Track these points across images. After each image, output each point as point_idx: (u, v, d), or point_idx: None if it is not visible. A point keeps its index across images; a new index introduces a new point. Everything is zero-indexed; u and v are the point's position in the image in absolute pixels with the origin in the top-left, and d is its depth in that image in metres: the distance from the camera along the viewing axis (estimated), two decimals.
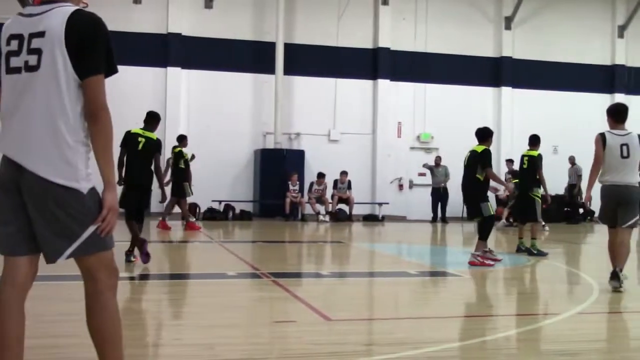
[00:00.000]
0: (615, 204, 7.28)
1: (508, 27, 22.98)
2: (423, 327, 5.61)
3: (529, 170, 11.33)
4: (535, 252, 10.92)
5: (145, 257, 8.87)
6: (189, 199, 16.78)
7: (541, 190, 11.35)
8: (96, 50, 2.91)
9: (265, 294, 7.17)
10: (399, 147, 22.23)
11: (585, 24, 23.55)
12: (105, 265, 3.03)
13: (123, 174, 9.09)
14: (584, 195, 8.35)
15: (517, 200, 12.35)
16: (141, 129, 9.31)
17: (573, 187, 21.09)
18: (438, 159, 20.88)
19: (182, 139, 15.51)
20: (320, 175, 20.03)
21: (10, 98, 2.96)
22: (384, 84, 21.89)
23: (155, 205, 15.75)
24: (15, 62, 2.94)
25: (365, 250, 12.71)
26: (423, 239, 15.67)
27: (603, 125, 7.68)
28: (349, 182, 20.25)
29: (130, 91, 19.12)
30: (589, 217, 21.53)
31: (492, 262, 9.50)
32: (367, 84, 21.98)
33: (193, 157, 16.50)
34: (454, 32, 22.47)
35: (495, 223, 17.55)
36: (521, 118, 22.31)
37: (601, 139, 7.35)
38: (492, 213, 9.76)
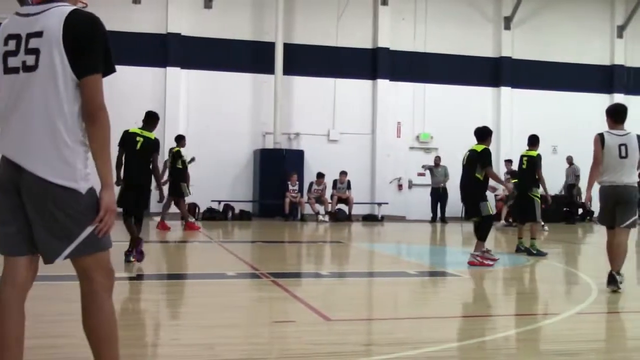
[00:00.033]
0: (613, 204, 7.27)
1: (507, 27, 22.99)
2: (422, 327, 5.62)
3: (528, 171, 11.33)
4: (534, 252, 10.93)
5: (140, 255, 8.88)
6: (188, 199, 16.79)
7: (540, 191, 11.35)
8: (94, 49, 2.91)
9: (265, 294, 7.17)
10: (399, 147, 22.24)
11: (584, 24, 23.56)
12: (102, 266, 3.03)
13: (121, 174, 9.10)
14: (583, 196, 8.36)
15: (516, 200, 12.34)
16: (139, 128, 9.31)
17: (571, 187, 21.09)
18: (437, 159, 20.89)
19: (180, 139, 15.51)
20: (320, 175, 20.04)
21: (9, 98, 2.95)
22: (383, 84, 21.90)
23: (154, 205, 15.78)
24: (13, 62, 2.94)
25: (365, 250, 12.71)
26: (422, 239, 15.67)
27: (602, 126, 7.68)
28: (349, 182, 20.26)
29: (130, 91, 19.14)
30: (588, 217, 21.56)
31: (491, 262, 9.50)
32: (366, 84, 21.99)
33: (193, 159, 16.56)
34: (454, 32, 22.48)
35: (495, 223, 17.65)
36: (520, 118, 22.32)
37: (600, 139, 7.35)
38: (491, 213, 9.76)
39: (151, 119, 9.48)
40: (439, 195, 20.53)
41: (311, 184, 20.15)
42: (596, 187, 7.50)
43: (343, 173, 20.26)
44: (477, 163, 9.61)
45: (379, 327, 5.70)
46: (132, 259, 8.91)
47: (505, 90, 22.98)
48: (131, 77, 19.10)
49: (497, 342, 5.06)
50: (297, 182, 19.86)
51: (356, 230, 17.34)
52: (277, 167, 20.00)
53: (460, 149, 10.21)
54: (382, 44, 21.90)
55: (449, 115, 21.91)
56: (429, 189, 21.02)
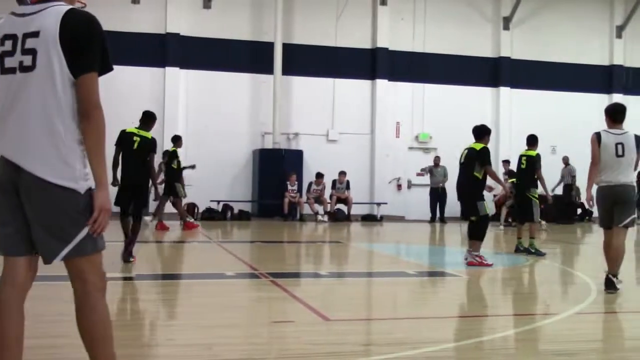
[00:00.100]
0: (611, 204, 7.23)
1: (506, 28, 23.00)
2: (421, 327, 5.62)
3: (527, 170, 11.32)
4: (533, 251, 10.93)
5: (128, 255, 8.86)
6: (188, 199, 16.81)
7: (539, 191, 11.35)
8: (91, 48, 2.90)
9: (264, 294, 7.17)
10: (398, 147, 22.24)
11: (583, 24, 23.57)
12: (95, 267, 3.02)
13: (119, 173, 9.11)
14: (582, 196, 8.34)
15: (515, 200, 12.34)
16: (136, 128, 9.31)
17: (568, 187, 21.08)
18: (437, 159, 20.90)
19: (176, 140, 15.51)
20: (319, 175, 20.04)
21: (5, 99, 2.95)
22: (382, 84, 21.91)
23: (153, 205, 15.81)
24: (9, 62, 2.93)
25: (364, 250, 12.72)
26: (421, 239, 15.67)
27: (601, 126, 7.66)
28: (348, 182, 20.26)
29: (128, 91, 19.16)
30: (587, 217, 21.56)
31: (490, 262, 9.49)
32: (365, 84, 21.99)
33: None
34: (453, 32, 22.48)
35: (495, 224, 17.65)
36: (519, 118, 22.31)
37: (596, 137, 7.33)
38: (488, 212, 9.75)
39: (148, 119, 9.48)
40: (438, 195, 20.53)
41: (310, 184, 20.15)
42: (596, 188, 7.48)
43: (342, 173, 20.26)
44: (476, 162, 9.57)
45: (378, 327, 5.70)
46: (131, 259, 8.92)
47: (504, 90, 22.98)
48: (130, 77, 19.12)
49: (496, 342, 5.06)
50: (296, 182, 19.86)
51: (355, 230, 17.34)
52: (276, 167, 20.00)
53: (460, 149, 10.18)
54: (381, 44, 21.91)
55: (448, 115, 21.91)
56: (428, 189, 21.02)
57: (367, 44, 22.06)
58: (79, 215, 2.91)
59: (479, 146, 9.69)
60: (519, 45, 23.11)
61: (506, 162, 19.50)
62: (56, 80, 2.87)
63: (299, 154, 20.93)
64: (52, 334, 4.80)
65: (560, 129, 21.94)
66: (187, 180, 17.03)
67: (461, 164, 9.88)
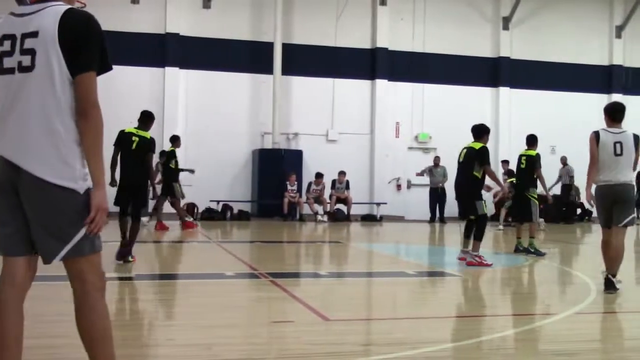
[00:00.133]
0: (611, 204, 7.20)
1: (506, 28, 23.01)
2: (421, 327, 5.62)
3: (527, 170, 11.32)
4: (532, 250, 10.93)
5: (120, 256, 8.85)
6: (187, 199, 16.79)
7: (538, 191, 11.34)
8: (89, 47, 2.90)
9: (264, 294, 7.17)
10: (397, 147, 22.24)
11: (583, 24, 23.58)
12: (94, 267, 3.02)
13: (117, 173, 9.11)
14: (582, 195, 8.32)
15: (514, 200, 12.33)
16: (135, 128, 9.31)
17: (566, 187, 21.07)
18: (437, 159, 20.89)
19: (175, 140, 15.50)
20: (319, 175, 20.03)
21: (5, 99, 2.95)
22: (382, 84, 21.91)
23: (151, 205, 15.78)
24: (8, 62, 2.93)
25: (363, 250, 12.72)
26: (421, 239, 15.67)
27: (601, 125, 7.64)
28: (347, 182, 20.26)
29: (128, 91, 19.17)
30: (586, 217, 21.57)
31: (490, 262, 9.49)
32: (365, 84, 22.00)
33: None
34: (452, 32, 22.49)
35: (495, 224, 17.65)
36: (519, 118, 22.31)
37: (595, 136, 7.31)
38: (486, 212, 9.74)
39: (146, 119, 9.49)
40: (437, 195, 20.52)
41: (310, 184, 20.15)
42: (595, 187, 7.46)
43: (342, 173, 20.26)
44: (475, 161, 9.56)
45: (378, 327, 5.70)
46: (130, 259, 8.92)
47: (504, 91, 22.99)
48: (129, 77, 19.12)
49: (496, 342, 5.06)
50: (296, 182, 19.86)
51: (355, 230, 17.34)
52: (275, 167, 20.00)
53: (459, 149, 10.18)
54: (380, 44, 21.91)
55: (447, 115, 21.91)
56: (427, 189, 21.01)
57: (366, 44, 22.06)
58: (78, 215, 2.90)
59: (478, 145, 9.68)
60: (518, 45, 23.12)
61: (505, 162, 19.48)
62: (55, 80, 2.87)
63: (298, 154, 20.93)
64: (52, 334, 4.80)
65: (560, 129, 21.94)
66: (186, 180, 17.06)
67: (460, 163, 9.88)
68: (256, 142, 21.14)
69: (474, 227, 9.65)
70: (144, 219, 15.18)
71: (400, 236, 16.55)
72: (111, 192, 8.83)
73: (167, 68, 20.46)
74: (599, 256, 7.59)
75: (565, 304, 6.92)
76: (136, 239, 9.27)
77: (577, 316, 6.08)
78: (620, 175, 7.17)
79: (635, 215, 7.39)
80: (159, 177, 14.80)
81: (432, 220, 20.60)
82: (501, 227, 17.41)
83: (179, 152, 15.70)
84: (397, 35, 22.09)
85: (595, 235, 16.50)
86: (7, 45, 2.94)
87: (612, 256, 7.22)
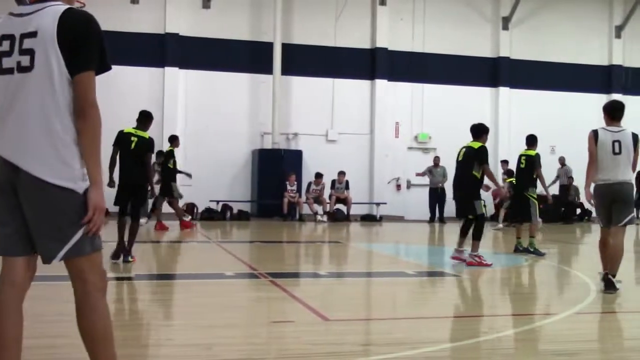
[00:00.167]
0: (610, 203, 7.18)
1: (505, 28, 23.01)
2: (421, 327, 5.62)
3: (526, 170, 11.32)
4: (532, 250, 10.92)
5: (115, 256, 8.84)
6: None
7: (537, 191, 11.34)
8: (88, 47, 2.90)
9: (263, 294, 7.17)
10: (397, 147, 22.24)
11: (582, 24, 23.58)
12: (95, 267, 3.01)
13: (116, 174, 9.12)
14: (581, 195, 8.28)
15: (513, 200, 12.32)
16: (134, 128, 9.33)
17: (564, 188, 21.07)
18: (437, 159, 20.89)
19: (173, 139, 15.49)
20: (318, 176, 20.03)
21: (4, 99, 2.94)
22: (381, 84, 21.91)
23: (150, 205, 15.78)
24: (7, 62, 2.93)
25: (363, 250, 12.71)
26: (421, 239, 15.67)
27: (600, 125, 7.64)
28: (347, 182, 20.26)
29: (128, 91, 19.17)
30: (586, 217, 21.57)
31: (490, 262, 9.49)
32: (364, 84, 22.00)
33: (190, 176, 16.66)
34: (452, 32, 22.49)
35: (495, 224, 17.66)
36: (518, 118, 22.32)
37: (594, 135, 7.29)
38: (484, 212, 9.73)
39: (145, 118, 9.50)
40: (437, 196, 20.52)
41: (309, 184, 20.14)
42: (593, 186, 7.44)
43: (341, 173, 20.26)
44: (474, 160, 9.55)
45: (377, 327, 5.70)
46: (130, 259, 8.92)
47: (504, 91, 22.99)
48: (129, 77, 19.12)
49: (496, 342, 5.06)
50: (296, 182, 19.86)
51: (354, 230, 17.34)
52: (275, 167, 19.99)
53: (459, 149, 10.17)
54: (380, 44, 21.91)
55: (447, 115, 21.90)
56: (427, 189, 21.01)
57: (366, 44, 22.06)
58: (77, 215, 2.90)
59: (477, 145, 9.67)
60: (518, 45, 23.12)
61: (505, 162, 19.49)
62: (54, 80, 2.86)
63: (298, 154, 20.93)
64: (51, 334, 4.80)
65: (560, 129, 21.93)
66: (185, 180, 17.06)
67: (459, 162, 9.85)
68: (256, 142, 21.14)
69: (473, 227, 9.65)
70: (142, 220, 15.19)
71: (399, 236, 16.55)
72: (111, 192, 8.88)
73: (166, 68, 20.45)
74: (598, 256, 7.59)
75: (565, 304, 6.91)
76: (135, 239, 9.27)
77: (577, 316, 6.08)
78: (619, 174, 7.13)
79: (634, 214, 7.37)
80: (156, 177, 14.79)
81: (431, 220, 20.60)
82: (501, 225, 17.43)
83: (178, 151, 15.67)
84: (396, 35, 22.09)
85: (594, 235, 16.49)
86: (5, 46, 2.93)
87: (610, 256, 7.20)
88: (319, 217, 19.51)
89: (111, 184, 8.97)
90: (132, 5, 20.13)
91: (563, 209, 21.15)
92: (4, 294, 2.98)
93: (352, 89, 21.78)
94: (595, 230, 16.48)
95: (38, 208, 2.89)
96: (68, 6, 2.95)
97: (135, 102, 17.62)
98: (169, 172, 15.12)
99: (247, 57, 21.08)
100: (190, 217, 16.83)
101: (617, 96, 22.26)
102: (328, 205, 19.94)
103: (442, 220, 20.32)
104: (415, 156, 22.26)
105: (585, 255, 13.11)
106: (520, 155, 11.55)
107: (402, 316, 6.27)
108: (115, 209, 9.20)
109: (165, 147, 16.09)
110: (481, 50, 22.93)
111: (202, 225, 17.12)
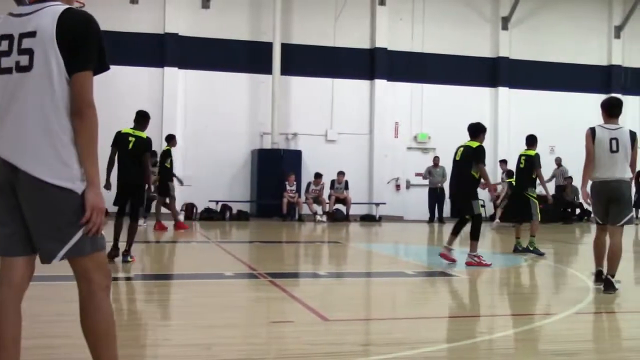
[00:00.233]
0: (606, 201, 7.14)
1: (505, 28, 23.02)
2: (420, 327, 5.61)
3: (526, 170, 11.31)
4: (531, 249, 10.92)
5: (109, 257, 8.83)
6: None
7: (537, 190, 11.34)
8: (87, 47, 2.89)
9: (263, 294, 7.16)
10: (396, 147, 22.24)
11: (582, 24, 23.59)
12: (99, 266, 3.02)
13: (114, 174, 9.11)
14: (580, 195, 8.26)
15: (512, 200, 12.32)
16: (131, 128, 9.33)
17: (560, 188, 21.06)
18: (436, 159, 20.89)
19: (171, 139, 15.47)
20: (318, 176, 20.03)
21: (2, 99, 2.94)
22: (381, 84, 21.91)
23: (151, 205, 15.77)
24: (6, 62, 2.92)
25: (363, 250, 12.71)
26: (420, 239, 15.67)
27: (598, 123, 7.62)
28: (346, 182, 20.26)
29: (127, 91, 19.17)
30: (585, 217, 21.56)
31: (489, 262, 9.48)
32: (364, 84, 22.00)
33: (181, 183, 16.77)
34: (451, 32, 22.49)
35: (491, 223, 17.67)
36: (518, 118, 22.32)
37: (591, 133, 7.26)
38: (481, 211, 9.71)
39: (142, 119, 9.50)
40: (436, 196, 20.53)
41: (309, 184, 20.14)
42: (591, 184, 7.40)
43: (341, 173, 20.25)
44: (472, 160, 9.53)
45: (377, 327, 5.70)
46: (129, 259, 8.92)
47: (503, 91, 23.00)
48: (128, 77, 19.11)
49: (495, 342, 5.06)
50: (295, 182, 19.85)
51: (354, 231, 17.34)
52: (274, 167, 19.99)
53: None
54: (379, 44, 21.92)
55: (446, 115, 21.89)
56: (426, 189, 21.01)
57: (365, 44, 22.06)
58: (76, 215, 2.90)
59: (474, 144, 9.64)
60: (517, 46, 23.12)
61: (504, 162, 19.51)
62: (53, 80, 2.86)
63: (297, 154, 20.93)
64: (50, 334, 4.79)
65: (559, 129, 21.93)
66: (186, 180, 17.07)
67: (456, 162, 9.79)
68: (255, 142, 21.13)
69: (470, 227, 9.62)
70: (140, 220, 15.18)
71: (399, 236, 16.55)
72: (111, 192, 8.87)
73: (165, 68, 20.45)
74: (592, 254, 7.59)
75: (565, 304, 6.90)
76: (135, 239, 9.27)
77: (577, 316, 6.08)
78: (617, 172, 7.09)
79: (634, 214, 7.36)
80: (153, 177, 14.77)
81: (431, 220, 20.60)
82: (497, 220, 17.48)
83: (176, 151, 15.64)
84: (396, 35, 22.09)
85: (593, 235, 16.49)
86: (4, 45, 2.93)
87: (609, 256, 7.18)
88: (318, 217, 19.51)
89: (108, 186, 8.86)
90: (131, 5, 20.12)
91: (562, 209, 21.14)
92: (3, 294, 2.97)
93: (351, 89, 21.78)
94: (594, 230, 16.49)
95: (37, 208, 2.89)
96: (67, 6, 2.95)
97: (134, 102, 17.59)
98: (167, 171, 15.11)
99: (247, 57, 21.07)
100: (182, 218, 16.76)
101: (616, 96, 22.28)
102: (327, 205, 19.93)
103: (441, 220, 20.32)
104: (414, 156, 22.27)
105: (584, 255, 13.09)
106: (520, 155, 11.54)
107: (402, 316, 6.26)
108: (115, 209, 9.21)
109: (164, 147, 16.07)
110: (480, 50, 22.93)
111: (201, 225, 17.11)
